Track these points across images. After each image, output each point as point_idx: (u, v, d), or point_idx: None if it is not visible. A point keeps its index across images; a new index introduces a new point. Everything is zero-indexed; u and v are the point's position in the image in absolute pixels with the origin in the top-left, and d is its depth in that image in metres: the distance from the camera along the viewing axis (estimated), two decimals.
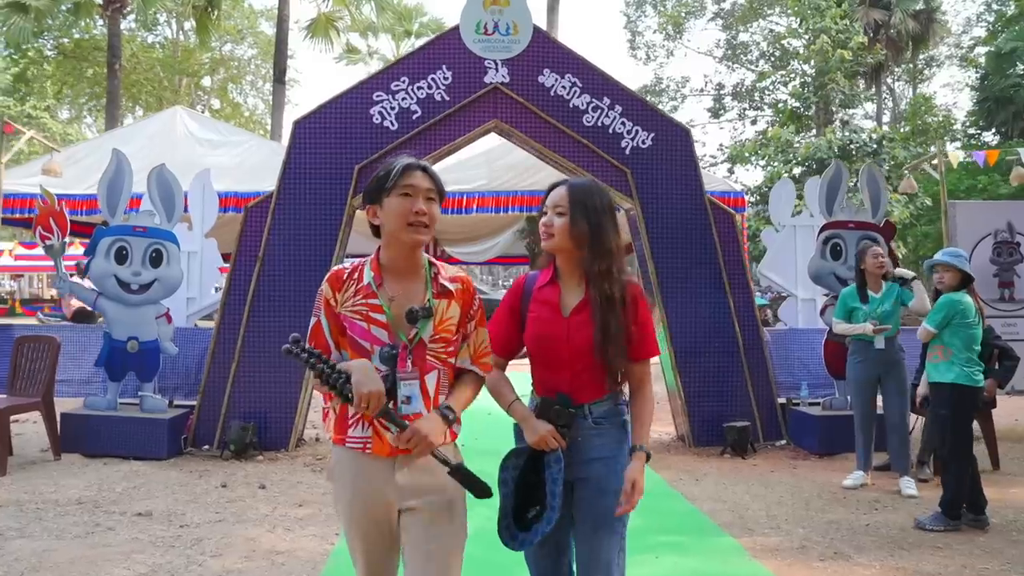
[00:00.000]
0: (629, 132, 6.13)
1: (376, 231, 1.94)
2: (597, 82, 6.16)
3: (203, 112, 28.37)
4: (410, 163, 1.92)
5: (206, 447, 5.92)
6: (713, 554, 3.79)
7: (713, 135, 57.88)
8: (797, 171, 22.23)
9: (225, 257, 8.43)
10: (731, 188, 11.42)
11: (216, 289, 6.83)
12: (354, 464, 1.89)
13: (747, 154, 24.74)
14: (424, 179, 1.90)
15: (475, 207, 14.04)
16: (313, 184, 5.93)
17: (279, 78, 19.50)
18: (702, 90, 30.69)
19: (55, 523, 4.09)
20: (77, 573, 3.39)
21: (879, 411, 5.20)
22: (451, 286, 1.94)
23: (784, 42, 27.50)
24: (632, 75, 63.11)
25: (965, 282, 4.41)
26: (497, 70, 6.04)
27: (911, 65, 33.07)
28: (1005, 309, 6.78)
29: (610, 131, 6.12)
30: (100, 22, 22.39)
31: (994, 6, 33.22)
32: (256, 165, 13.24)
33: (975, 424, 5.70)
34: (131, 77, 27.25)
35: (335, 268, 1.96)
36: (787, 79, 27.41)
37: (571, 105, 6.07)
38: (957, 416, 4.27)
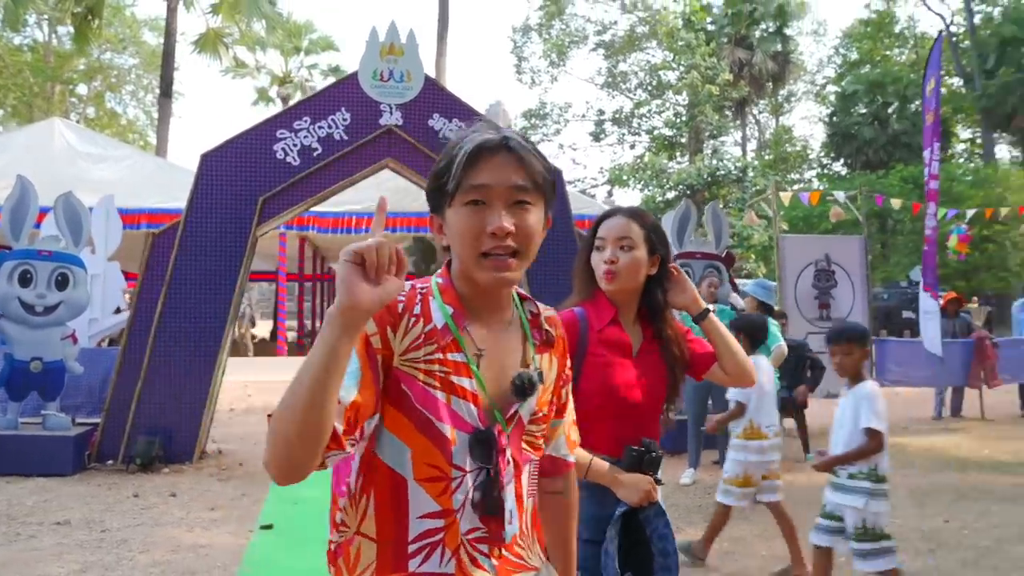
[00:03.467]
0: None
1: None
2: None
3: (78, 121, 27.26)
4: (484, 141, 1.16)
5: (110, 462, 6.20)
6: None
7: (594, 158, 60.56)
8: (671, 195, 24.01)
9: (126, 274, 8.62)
10: None
11: (118, 310, 7.11)
12: None
13: (625, 177, 26.37)
14: (509, 165, 1.16)
15: (364, 227, 14.61)
16: (219, 214, 6.37)
17: (166, 92, 19.30)
18: (584, 115, 32.32)
19: None
20: (14, 574, 3.77)
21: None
22: (553, 331, 1.34)
23: (660, 73, 29.49)
24: (518, 98, 64.95)
25: (767, 308, 5.45)
26: (391, 113, 6.69)
27: (773, 99, 36.07)
28: (823, 327, 8.04)
29: None
30: None
31: (840, 50, 36.86)
32: (141, 181, 13.24)
33: (791, 420, 6.85)
34: None
35: None
36: (662, 109, 29.36)
37: None
38: None
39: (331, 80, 28.78)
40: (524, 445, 1.26)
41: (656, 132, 29.65)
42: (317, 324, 21.09)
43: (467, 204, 1.17)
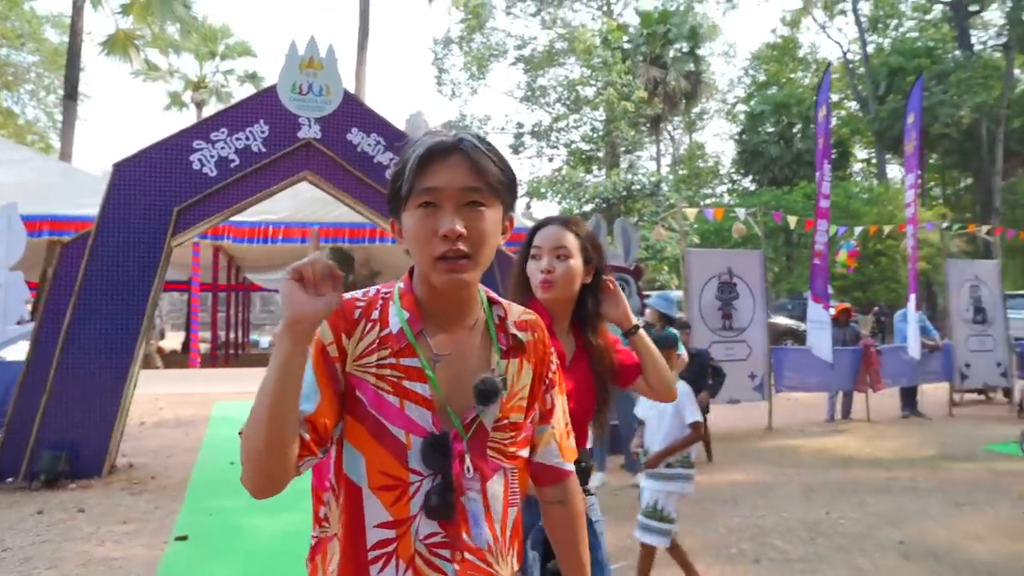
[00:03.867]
0: None
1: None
2: (400, 142, 7.08)
3: None
4: (436, 144, 1.17)
5: (10, 479, 6.00)
6: None
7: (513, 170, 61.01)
8: (587, 208, 24.63)
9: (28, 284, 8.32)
10: (524, 225, 12.85)
11: (20, 322, 6.87)
12: None
13: (543, 190, 26.88)
14: (460, 167, 1.16)
15: (281, 237, 14.46)
16: (132, 224, 6.28)
17: (70, 94, 18.49)
18: (503, 128, 32.72)
19: None
20: None
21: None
22: (523, 335, 1.29)
23: (578, 89, 30.21)
24: (439, 109, 65.22)
25: (668, 319, 5.80)
26: (310, 127, 6.76)
27: (686, 117, 37.46)
28: (726, 336, 8.54)
29: None
30: None
31: (750, 72, 38.68)
32: (44, 186, 12.72)
33: None
34: None
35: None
36: (579, 123, 30.08)
37: (375, 161, 6.94)
38: None
39: (248, 86, 28.31)
40: (491, 453, 1.22)
41: (574, 146, 30.32)
42: (232, 335, 20.61)
43: (419, 207, 1.17)
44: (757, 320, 8.73)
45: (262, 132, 6.65)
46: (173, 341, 22.30)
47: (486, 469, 1.21)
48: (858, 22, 32.46)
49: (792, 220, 10.32)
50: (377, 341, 1.18)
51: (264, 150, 6.63)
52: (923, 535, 4.59)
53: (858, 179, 34.38)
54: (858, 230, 11.68)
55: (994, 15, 30.59)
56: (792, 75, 37.70)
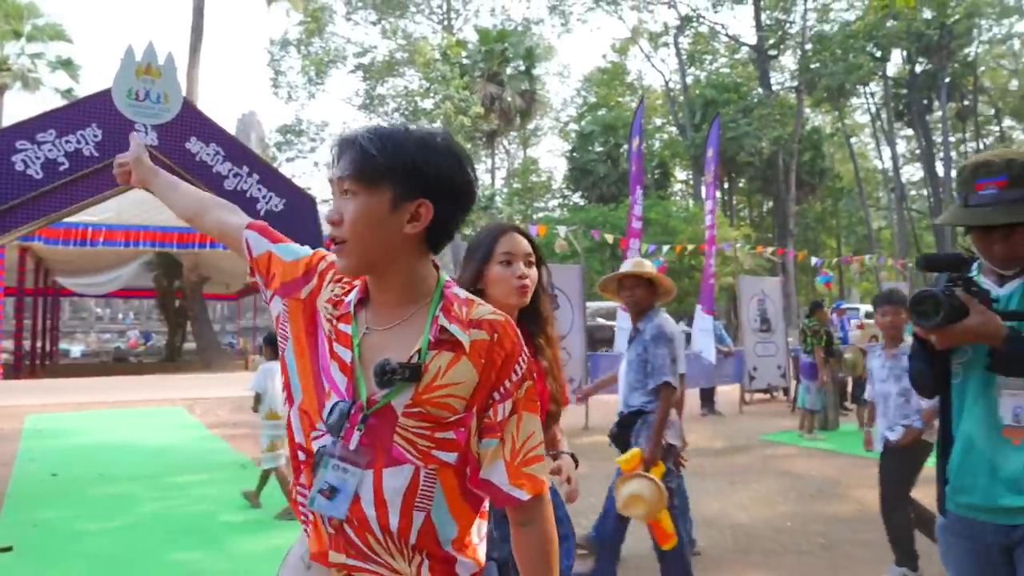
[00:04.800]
0: (264, 197, 7.28)
1: None
2: (237, 152, 7.21)
3: None
4: (334, 142, 1.27)
5: None
6: None
7: None
8: None
9: None
10: None
11: None
12: (299, 560, 1.31)
13: None
14: (338, 159, 1.24)
15: (102, 239, 13.77)
16: None
17: None
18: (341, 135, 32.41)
19: None
20: None
21: None
22: (463, 335, 1.23)
23: (416, 100, 30.65)
24: (274, 112, 63.05)
25: None
26: (147, 134, 6.74)
27: (521, 132, 38.97)
28: None
29: (247, 195, 7.20)
30: None
31: (582, 93, 40.97)
32: None
33: None
34: None
35: None
36: None
37: (214, 171, 7.02)
38: None
39: (61, 74, 26.27)
40: (399, 441, 1.19)
41: None
42: (39, 344, 19.08)
43: None
44: (576, 328, 9.60)
45: (95, 136, 6.55)
46: None
47: (384, 455, 1.18)
48: (678, 55, 35.45)
49: (609, 237, 11.37)
50: (334, 299, 1.29)
51: (97, 155, 6.53)
52: (700, 508, 5.48)
53: (677, 198, 37.36)
54: (666, 248, 13.03)
55: (789, 61, 34.62)
56: (620, 99, 40.36)
